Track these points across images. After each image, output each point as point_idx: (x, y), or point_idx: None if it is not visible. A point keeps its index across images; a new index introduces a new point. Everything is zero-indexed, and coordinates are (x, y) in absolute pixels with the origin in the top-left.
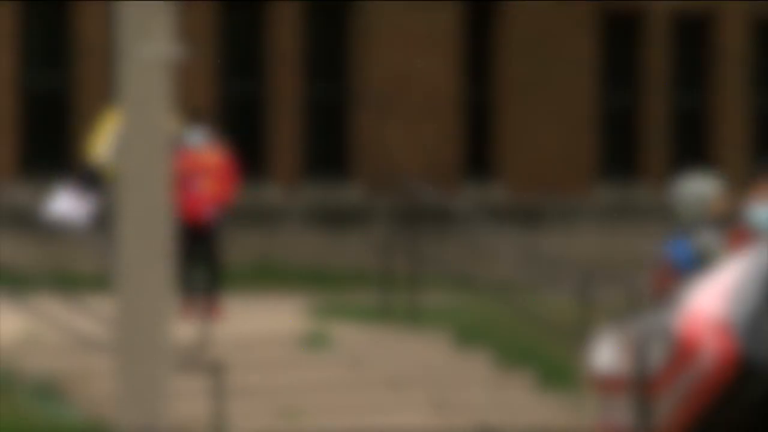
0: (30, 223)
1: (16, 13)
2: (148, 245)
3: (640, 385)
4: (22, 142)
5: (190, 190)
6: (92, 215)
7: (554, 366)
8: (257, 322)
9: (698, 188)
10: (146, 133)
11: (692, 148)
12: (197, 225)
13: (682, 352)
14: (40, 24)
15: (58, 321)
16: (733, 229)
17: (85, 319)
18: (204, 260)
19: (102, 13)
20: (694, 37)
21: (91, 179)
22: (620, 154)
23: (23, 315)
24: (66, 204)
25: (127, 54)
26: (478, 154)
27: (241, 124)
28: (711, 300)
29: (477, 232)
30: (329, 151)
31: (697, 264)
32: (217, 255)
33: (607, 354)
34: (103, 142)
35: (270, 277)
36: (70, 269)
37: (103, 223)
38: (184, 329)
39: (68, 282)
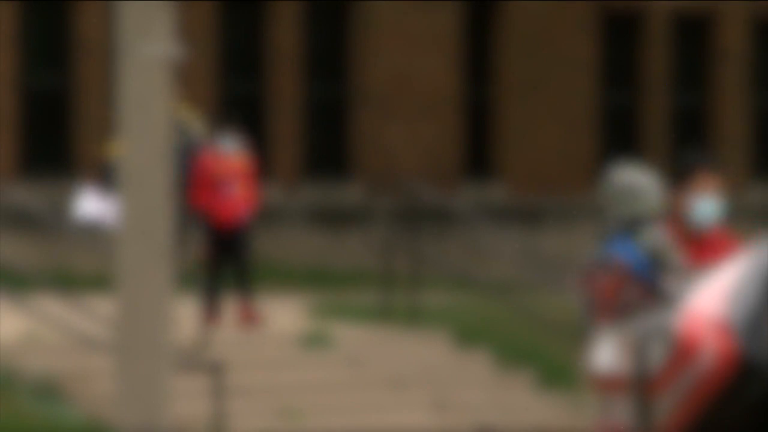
0: (30, 223)
1: (16, 13)
2: (148, 245)
3: (640, 385)
4: (22, 142)
5: (223, 195)
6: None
7: (554, 366)
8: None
9: (635, 181)
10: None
11: (692, 148)
12: (229, 230)
13: (682, 352)
14: (40, 24)
15: (58, 321)
16: (672, 224)
17: (85, 319)
18: (233, 265)
19: (102, 13)
20: (694, 37)
21: (111, 177)
22: (620, 153)
23: (23, 315)
24: (93, 205)
25: (127, 54)
26: (478, 154)
27: (241, 123)
28: (711, 300)
29: (477, 231)
30: (329, 150)
31: (650, 265)
32: (247, 259)
33: (607, 354)
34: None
35: (270, 277)
36: (70, 269)
37: None
38: (183, 329)
39: (68, 282)
